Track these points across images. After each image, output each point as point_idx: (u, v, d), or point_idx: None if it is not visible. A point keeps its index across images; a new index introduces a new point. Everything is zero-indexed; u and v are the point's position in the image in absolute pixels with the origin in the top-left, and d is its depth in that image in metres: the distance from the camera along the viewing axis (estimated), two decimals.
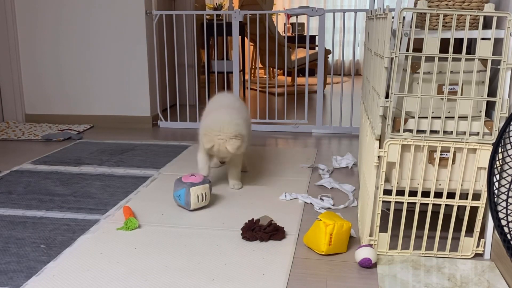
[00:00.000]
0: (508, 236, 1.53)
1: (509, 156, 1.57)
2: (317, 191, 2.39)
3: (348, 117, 3.97)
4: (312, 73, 6.94)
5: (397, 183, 1.70)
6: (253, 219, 1.93)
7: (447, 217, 1.74)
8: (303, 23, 7.45)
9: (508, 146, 1.57)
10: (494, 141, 1.64)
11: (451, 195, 1.70)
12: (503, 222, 1.55)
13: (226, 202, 2.25)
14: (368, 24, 2.55)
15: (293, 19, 7.33)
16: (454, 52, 1.65)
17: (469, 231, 1.75)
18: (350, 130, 3.69)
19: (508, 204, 1.54)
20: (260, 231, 1.85)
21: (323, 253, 1.73)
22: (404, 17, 1.67)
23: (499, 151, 1.60)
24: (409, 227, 1.76)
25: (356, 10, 3.59)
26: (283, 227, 1.91)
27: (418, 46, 1.68)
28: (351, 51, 7.55)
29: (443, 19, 1.71)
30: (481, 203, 1.67)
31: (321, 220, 1.73)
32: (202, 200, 2.11)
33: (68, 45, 3.93)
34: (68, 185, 2.49)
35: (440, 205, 1.71)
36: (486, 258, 1.72)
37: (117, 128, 3.92)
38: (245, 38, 5.58)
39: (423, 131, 1.70)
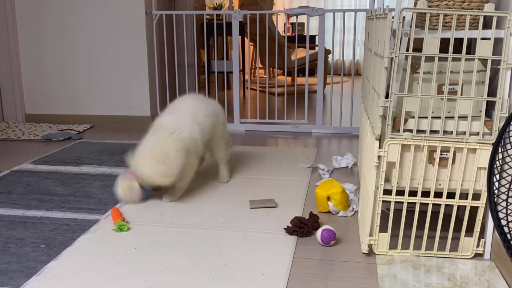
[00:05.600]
0: (508, 236, 1.53)
1: (509, 156, 1.57)
2: None
3: (348, 117, 3.97)
4: (312, 73, 6.94)
5: (397, 183, 1.70)
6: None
7: (447, 217, 1.74)
8: (303, 23, 7.45)
9: (508, 146, 1.57)
10: (494, 141, 1.64)
11: (451, 195, 1.70)
12: (503, 222, 1.55)
13: (225, 202, 2.25)
14: (368, 24, 2.55)
15: (293, 19, 7.33)
16: (454, 52, 1.65)
17: (469, 231, 1.75)
18: (350, 130, 3.69)
19: (508, 204, 1.54)
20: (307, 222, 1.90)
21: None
22: (404, 17, 1.67)
23: (499, 151, 1.60)
24: (409, 227, 1.76)
25: (356, 10, 3.59)
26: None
27: (418, 46, 1.68)
28: (351, 51, 7.55)
29: (443, 19, 1.71)
30: (481, 203, 1.67)
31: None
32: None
33: (67, 45, 3.93)
34: (68, 185, 2.49)
35: (440, 205, 1.71)
36: (486, 258, 1.72)
37: (117, 128, 3.92)
38: (245, 38, 5.58)
39: (423, 131, 1.70)
